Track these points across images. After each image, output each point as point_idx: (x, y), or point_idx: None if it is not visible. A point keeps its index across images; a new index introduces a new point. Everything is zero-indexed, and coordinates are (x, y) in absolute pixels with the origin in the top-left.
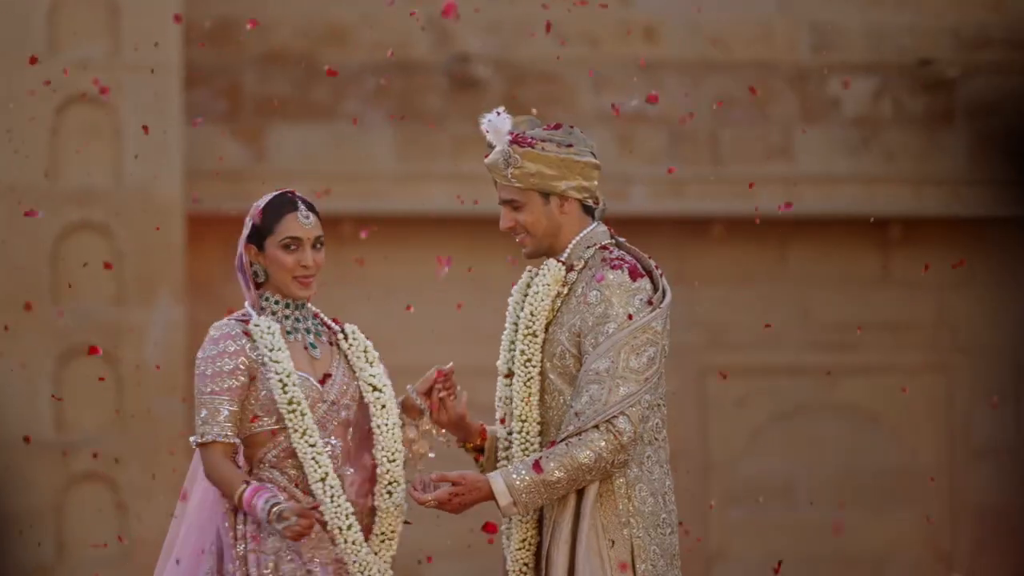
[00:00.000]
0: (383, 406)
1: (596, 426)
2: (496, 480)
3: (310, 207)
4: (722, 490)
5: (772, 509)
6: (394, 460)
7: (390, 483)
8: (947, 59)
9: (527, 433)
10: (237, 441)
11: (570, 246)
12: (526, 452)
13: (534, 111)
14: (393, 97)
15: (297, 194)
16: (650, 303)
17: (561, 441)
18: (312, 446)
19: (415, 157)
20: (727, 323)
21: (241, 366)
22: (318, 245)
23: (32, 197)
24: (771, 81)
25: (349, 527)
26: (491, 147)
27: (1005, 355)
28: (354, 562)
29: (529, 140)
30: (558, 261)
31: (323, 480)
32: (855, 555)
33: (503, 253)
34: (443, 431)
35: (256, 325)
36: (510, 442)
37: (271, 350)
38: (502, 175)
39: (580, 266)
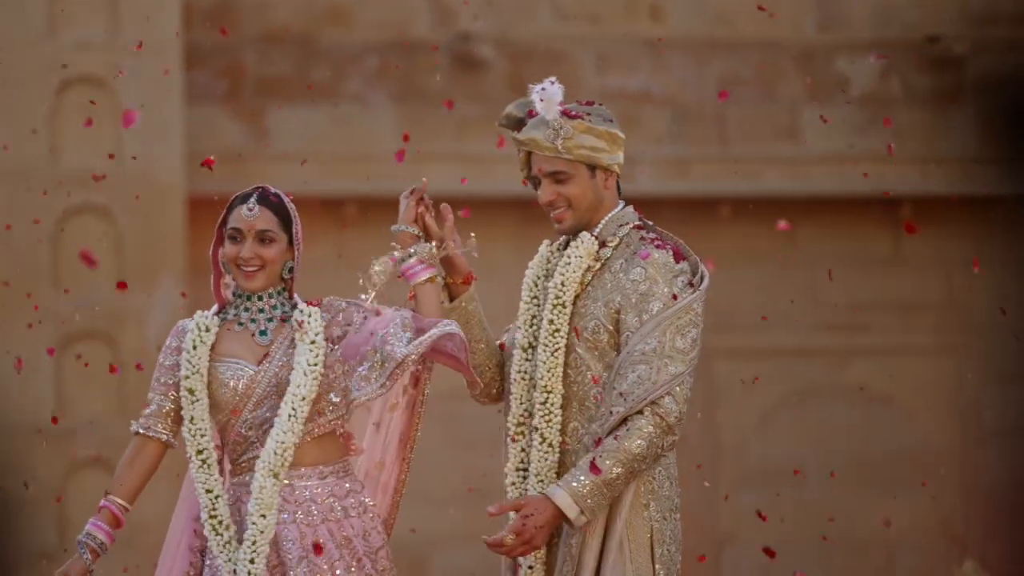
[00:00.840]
0: (289, 405)
1: (640, 412)
2: (558, 494)
3: (265, 201)
4: (732, 474)
5: (782, 492)
6: (272, 460)
7: (259, 490)
8: (955, 35)
9: (551, 404)
10: (162, 437)
11: (603, 222)
12: (549, 423)
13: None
14: (395, 77)
15: (264, 189)
16: (691, 285)
17: (608, 435)
18: (196, 431)
19: (418, 138)
20: (735, 305)
21: (178, 364)
22: (265, 240)
23: (32, 180)
24: (778, 60)
25: (212, 514)
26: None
27: (1017, 335)
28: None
29: (579, 113)
30: (592, 235)
31: (198, 454)
32: (867, 538)
33: (507, 235)
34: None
35: (191, 321)
36: (530, 414)
37: (190, 347)
38: (550, 147)
39: (615, 243)
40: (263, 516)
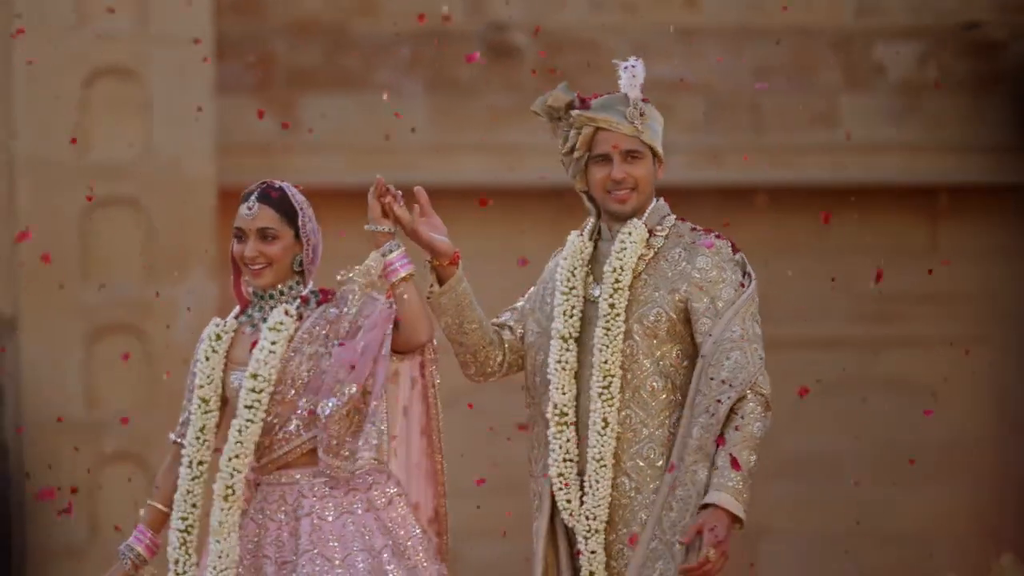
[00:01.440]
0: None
1: (744, 396)
2: (724, 499)
3: (265, 198)
4: (764, 465)
5: (816, 484)
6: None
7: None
8: (994, 21)
9: (613, 389)
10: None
11: (648, 211)
12: (611, 408)
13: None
14: (426, 66)
15: (267, 185)
16: (747, 275)
17: (729, 430)
18: (203, 441)
19: (449, 128)
20: (769, 294)
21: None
22: (267, 237)
23: (60, 172)
24: (814, 47)
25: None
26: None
27: None
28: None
29: (647, 99)
30: (642, 223)
31: (198, 464)
32: (901, 531)
33: (539, 225)
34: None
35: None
36: (582, 399)
37: (202, 358)
38: (630, 125)
39: (664, 232)
40: (218, 541)
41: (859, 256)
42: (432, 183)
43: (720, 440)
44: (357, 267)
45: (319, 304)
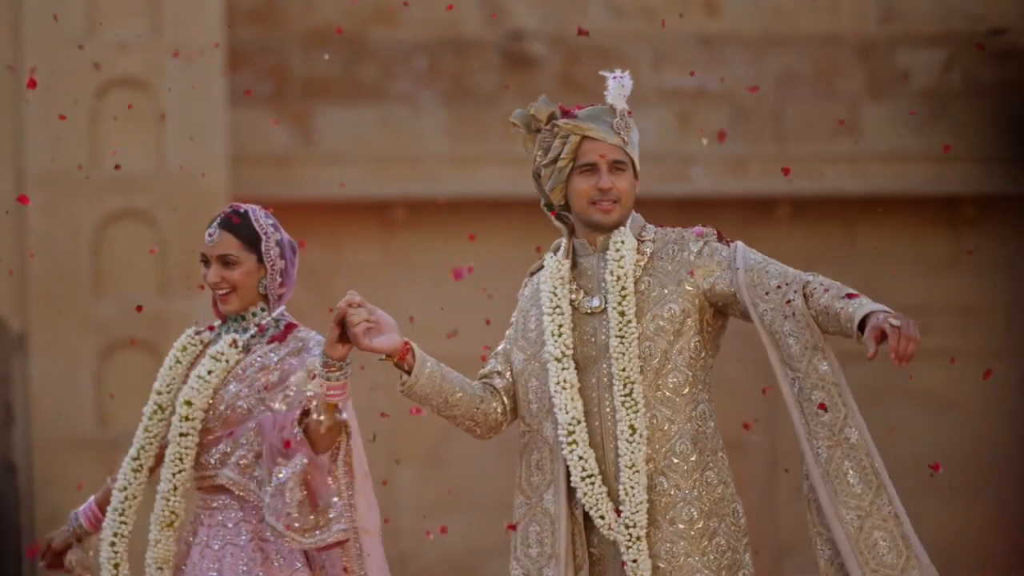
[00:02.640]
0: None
1: (804, 284)
2: (871, 304)
3: (227, 225)
4: (789, 481)
5: None
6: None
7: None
8: (1019, 28)
9: (636, 396)
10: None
11: (629, 223)
12: (632, 410)
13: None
14: (445, 76)
15: (231, 211)
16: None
17: (820, 301)
18: (146, 440)
19: (468, 138)
20: None
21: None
22: (228, 263)
23: (72, 185)
24: (836, 54)
25: (120, 519)
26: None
27: None
28: None
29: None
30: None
31: (133, 459)
32: (926, 545)
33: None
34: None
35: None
36: (578, 420)
37: (166, 366)
38: (617, 136)
39: (650, 236)
40: (159, 569)
41: (883, 267)
42: (451, 194)
43: (788, 302)
44: (312, 368)
45: (273, 340)
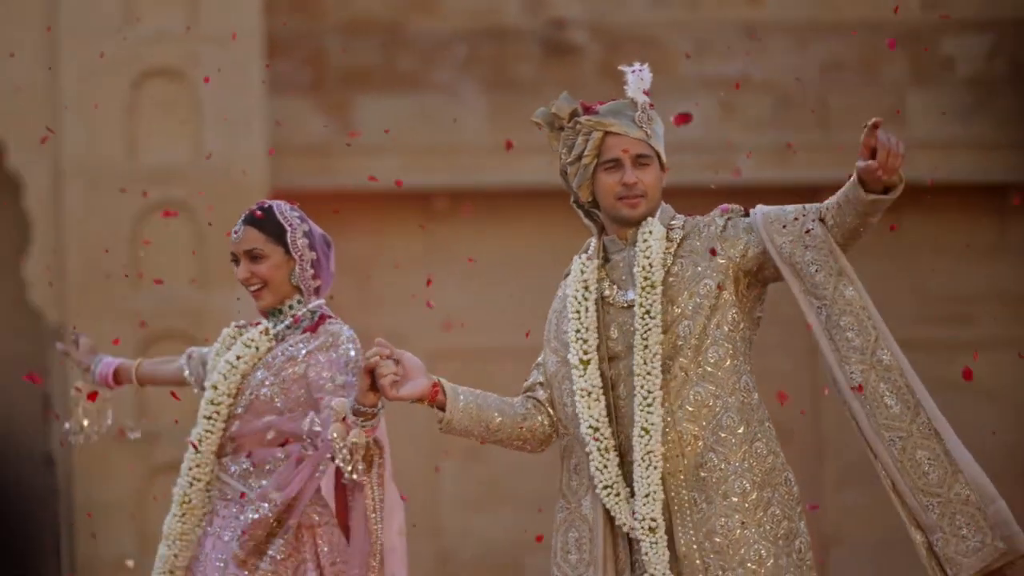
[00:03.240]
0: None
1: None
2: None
3: (250, 220)
4: (836, 470)
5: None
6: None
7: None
8: None
9: (653, 397)
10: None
11: (658, 214)
12: (651, 412)
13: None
14: (485, 65)
15: (256, 207)
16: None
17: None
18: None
19: (508, 128)
20: None
21: None
22: (255, 258)
23: (109, 177)
24: (881, 42)
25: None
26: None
27: None
28: None
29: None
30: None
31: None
32: None
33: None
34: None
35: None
36: (600, 420)
37: (212, 354)
38: (640, 130)
39: (679, 223)
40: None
41: (927, 256)
42: (492, 184)
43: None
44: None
45: (305, 331)
